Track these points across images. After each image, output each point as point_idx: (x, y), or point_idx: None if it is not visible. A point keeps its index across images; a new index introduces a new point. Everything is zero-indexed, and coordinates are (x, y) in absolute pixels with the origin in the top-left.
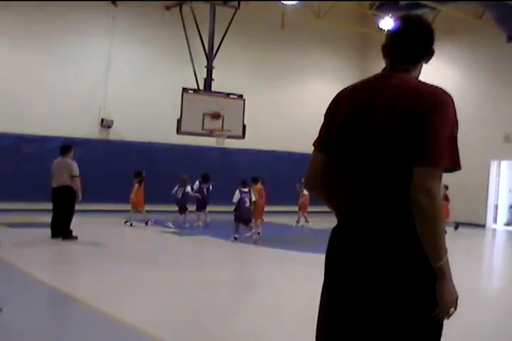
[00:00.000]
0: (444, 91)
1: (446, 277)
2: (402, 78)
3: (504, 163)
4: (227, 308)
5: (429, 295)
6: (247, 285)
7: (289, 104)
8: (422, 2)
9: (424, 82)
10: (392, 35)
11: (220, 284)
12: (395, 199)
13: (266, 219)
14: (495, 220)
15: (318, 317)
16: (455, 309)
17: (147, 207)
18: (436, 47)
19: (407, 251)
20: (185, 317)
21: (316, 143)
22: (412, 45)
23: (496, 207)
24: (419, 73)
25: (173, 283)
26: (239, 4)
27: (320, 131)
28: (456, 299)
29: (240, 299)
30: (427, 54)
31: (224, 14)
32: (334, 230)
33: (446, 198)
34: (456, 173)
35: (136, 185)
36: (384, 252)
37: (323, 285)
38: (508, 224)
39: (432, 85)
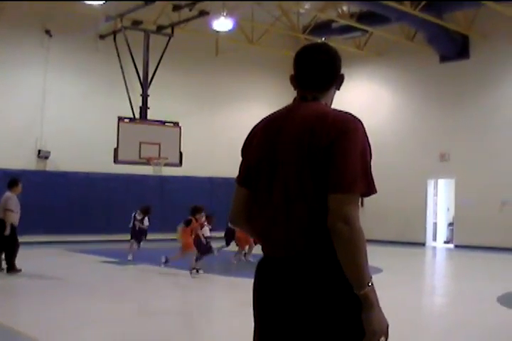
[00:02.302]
0: (352, 117)
1: (372, 305)
2: (310, 107)
3: (441, 182)
4: (172, 338)
5: (358, 326)
6: (193, 314)
7: (226, 129)
8: (353, 25)
9: (333, 109)
10: (297, 65)
11: (165, 314)
12: (313, 230)
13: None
14: (434, 238)
15: None
16: (386, 338)
17: (88, 238)
18: (370, 69)
19: (330, 282)
20: None
21: (237, 178)
22: (317, 73)
23: (435, 225)
24: (332, 100)
25: (118, 314)
26: (172, 32)
27: (240, 166)
28: (387, 327)
29: (186, 329)
30: (335, 80)
31: (158, 42)
32: (259, 263)
33: None
34: (395, 193)
35: (182, 226)
36: (307, 285)
37: (254, 317)
38: (447, 241)
39: (341, 111)
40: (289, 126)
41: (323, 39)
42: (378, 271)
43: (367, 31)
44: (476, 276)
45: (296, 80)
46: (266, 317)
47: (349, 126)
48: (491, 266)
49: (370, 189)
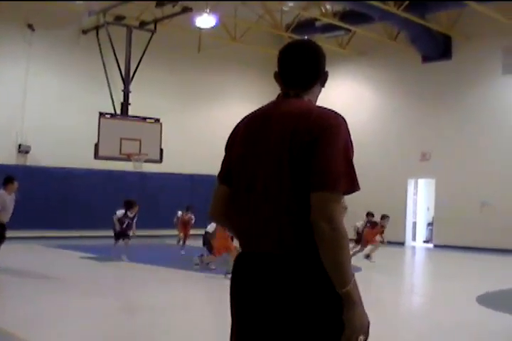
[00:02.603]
0: (336, 114)
1: (354, 302)
2: (293, 104)
3: (421, 181)
4: (150, 333)
5: (338, 324)
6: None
7: (208, 126)
8: (336, 24)
9: (317, 106)
10: (281, 62)
11: (145, 309)
12: (292, 227)
13: (190, 242)
14: (414, 238)
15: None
16: (366, 337)
17: (68, 233)
18: (353, 68)
19: (310, 278)
20: None
21: (218, 175)
22: (301, 70)
23: (415, 224)
24: (317, 97)
25: (97, 310)
26: (155, 28)
27: (222, 164)
28: (368, 326)
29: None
30: (318, 78)
31: (141, 38)
32: (237, 259)
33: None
34: (375, 192)
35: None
36: (287, 280)
37: (231, 313)
38: (427, 241)
39: (324, 108)
40: (272, 122)
41: (306, 37)
42: (357, 269)
43: (350, 30)
44: (454, 276)
45: (280, 77)
46: (244, 311)
47: (332, 123)
48: (470, 266)
49: (353, 186)
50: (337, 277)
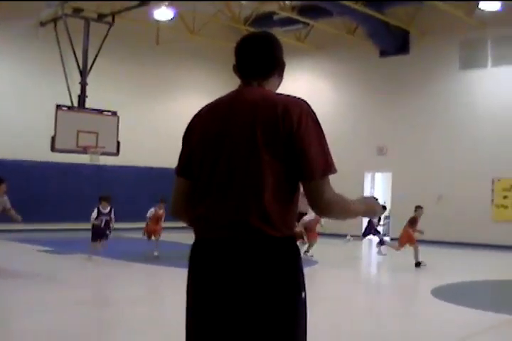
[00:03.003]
0: (302, 100)
1: (366, 211)
2: (257, 91)
3: (378, 175)
4: (110, 326)
5: (295, 310)
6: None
7: (166, 119)
8: (295, 18)
9: (280, 94)
10: (238, 54)
11: (102, 303)
12: (256, 212)
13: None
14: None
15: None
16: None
17: (23, 226)
18: (311, 62)
19: (271, 264)
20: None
21: (176, 169)
22: (257, 61)
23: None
24: (277, 86)
25: (54, 303)
26: (113, 20)
27: (180, 156)
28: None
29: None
30: (276, 67)
31: (98, 30)
32: (194, 247)
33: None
34: (332, 185)
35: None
36: (248, 265)
37: (188, 300)
38: (384, 234)
39: (289, 96)
40: (236, 110)
41: (264, 31)
42: (313, 263)
43: (308, 24)
44: (410, 269)
45: (238, 69)
46: (207, 298)
47: (304, 110)
48: (426, 259)
49: (333, 169)
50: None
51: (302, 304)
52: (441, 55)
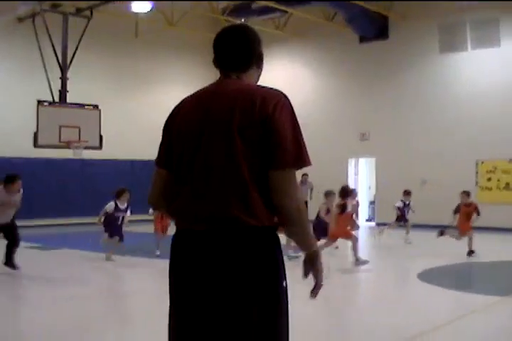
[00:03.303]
0: (280, 92)
1: (320, 257)
2: (237, 83)
3: (362, 161)
4: (97, 321)
5: (276, 299)
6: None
7: (148, 111)
8: (273, 6)
9: (259, 86)
10: (216, 47)
11: (85, 298)
12: (234, 204)
13: (133, 229)
14: (356, 216)
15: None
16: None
17: None
18: (291, 49)
19: (250, 255)
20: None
21: (156, 160)
22: (234, 54)
23: (357, 203)
24: (257, 78)
25: (39, 298)
26: (91, 14)
27: (159, 147)
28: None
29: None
30: (253, 60)
31: (77, 24)
32: (174, 239)
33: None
34: (316, 171)
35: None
36: (227, 256)
37: (170, 292)
38: (369, 219)
39: (267, 87)
40: (216, 102)
41: (243, 20)
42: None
43: (286, 12)
44: (396, 253)
45: (217, 63)
46: (183, 287)
47: (280, 102)
48: (411, 244)
49: (305, 161)
50: (306, 243)
51: (283, 293)
52: (421, 40)
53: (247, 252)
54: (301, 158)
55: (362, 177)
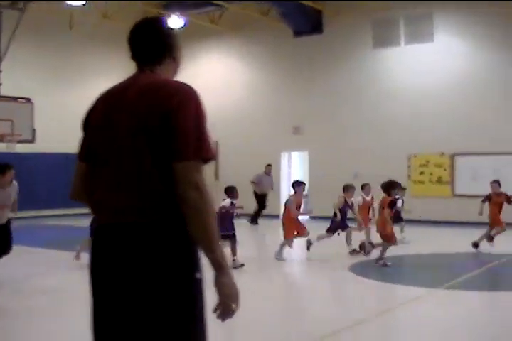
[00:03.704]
0: (187, 86)
1: (223, 267)
2: (147, 77)
3: (295, 155)
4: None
5: (188, 291)
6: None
7: (81, 104)
8: (208, 1)
9: (169, 79)
10: (128, 41)
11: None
12: (145, 197)
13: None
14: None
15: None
16: (237, 306)
17: None
18: (226, 44)
19: (163, 249)
20: None
21: (77, 154)
22: (144, 47)
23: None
24: (174, 71)
25: None
26: (25, 6)
27: (80, 141)
28: (238, 295)
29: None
30: (166, 53)
31: (11, 16)
32: (96, 232)
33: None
34: (249, 165)
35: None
36: (139, 250)
37: (91, 289)
38: (304, 213)
39: (177, 81)
40: (126, 96)
41: (178, 14)
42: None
43: (221, 6)
44: (328, 246)
45: (131, 57)
46: (98, 284)
47: (184, 96)
48: (343, 237)
49: (208, 155)
50: (206, 243)
51: (197, 285)
52: (355, 34)
53: (153, 245)
54: (201, 151)
55: (295, 171)
